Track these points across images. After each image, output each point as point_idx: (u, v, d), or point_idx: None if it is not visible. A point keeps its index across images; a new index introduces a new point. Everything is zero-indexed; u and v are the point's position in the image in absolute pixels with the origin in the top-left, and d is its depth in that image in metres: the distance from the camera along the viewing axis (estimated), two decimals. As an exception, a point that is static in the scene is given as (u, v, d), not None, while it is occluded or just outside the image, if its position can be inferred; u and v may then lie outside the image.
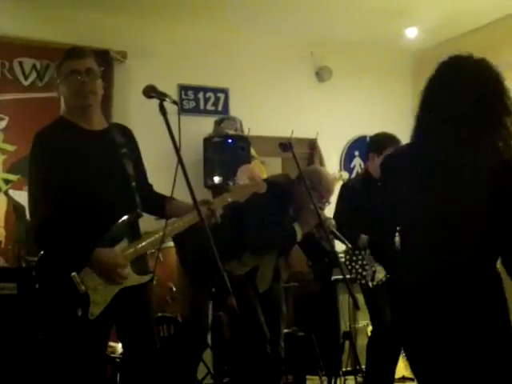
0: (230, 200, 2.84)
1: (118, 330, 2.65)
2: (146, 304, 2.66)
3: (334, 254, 3.16)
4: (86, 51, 2.69)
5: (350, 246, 3.55)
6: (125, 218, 2.55)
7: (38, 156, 2.54)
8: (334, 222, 3.49)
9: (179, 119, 2.36)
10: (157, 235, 2.58)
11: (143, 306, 2.64)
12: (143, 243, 2.56)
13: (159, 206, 2.71)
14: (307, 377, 4.63)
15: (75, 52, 2.66)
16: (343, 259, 3.95)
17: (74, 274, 2.41)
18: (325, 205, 3.55)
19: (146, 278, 2.59)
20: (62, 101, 2.66)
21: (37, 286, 2.57)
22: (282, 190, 3.52)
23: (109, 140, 2.63)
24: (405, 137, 4.10)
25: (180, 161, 2.35)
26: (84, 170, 2.52)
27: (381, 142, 3.93)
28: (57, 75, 2.64)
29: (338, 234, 3.50)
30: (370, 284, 3.78)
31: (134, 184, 2.63)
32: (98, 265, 2.43)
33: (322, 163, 5.77)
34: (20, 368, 3.25)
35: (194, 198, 2.31)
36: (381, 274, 3.79)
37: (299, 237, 3.41)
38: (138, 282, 2.55)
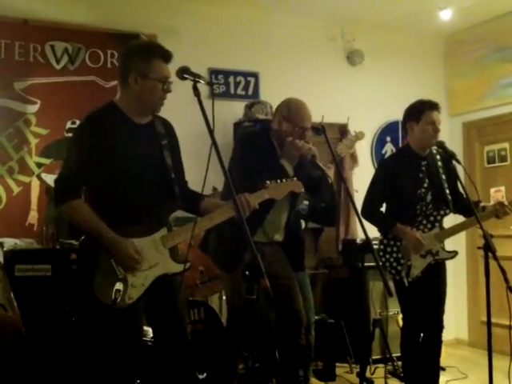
0: (267, 197, 2.86)
1: (147, 316, 2.69)
2: (176, 290, 2.68)
3: (367, 239, 3.05)
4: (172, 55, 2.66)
5: None
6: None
7: (83, 136, 2.56)
8: (314, 149, 3.36)
9: (213, 101, 2.33)
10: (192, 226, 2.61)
11: (173, 293, 2.67)
12: (181, 233, 2.60)
13: (193, 202, 2.70)
14: (337, 364, 4.62)
15: (169, 56, 2.63)
16: (377, 248, 3.80)
17: (113, 258, 2.47)
18: (305, 134, 3.37)
19: (185, 266, 2.61)
20: (128, 90, 2.61)
21: (77, 268, 2.65)
22: (254, 137, 3.46)
23: (151, 131, 2.67)
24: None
25: (214, 143, 2.32)
26: (123, 158, 2.54)
27: (416, 108, 3.67)
28: (142, 69, 2.57)
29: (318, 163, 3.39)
30: (406, 281, 3.58)
31: (172, 175, 2.66)
32: (115, 252, 2.47)
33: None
34: (53, 349, 3.28)
35: (233, 193, 2.27)
36: (417, 269, 3.59)
37: (290, 171, 3.28)
38: (178, 269, 2.58)
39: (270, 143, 3.41)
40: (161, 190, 2.62)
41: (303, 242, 3.90)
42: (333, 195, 3.60)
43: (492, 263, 3.17)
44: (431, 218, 3.65)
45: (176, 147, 2.79)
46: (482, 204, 3.69)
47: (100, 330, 2.54)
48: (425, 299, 3.67)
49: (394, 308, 4.98)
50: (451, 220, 3.89)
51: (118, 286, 2.45)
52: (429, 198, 3.64)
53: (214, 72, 5.26)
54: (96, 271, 2.48)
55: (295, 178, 3.05)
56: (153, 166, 2.61)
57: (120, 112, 2.61)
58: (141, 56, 2.59)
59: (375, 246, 3.82)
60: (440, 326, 3.75)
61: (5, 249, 4.07)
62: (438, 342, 3.76)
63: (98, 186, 2.55)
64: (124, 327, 2.51)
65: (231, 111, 5.10)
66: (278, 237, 3.46)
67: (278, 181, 2.91)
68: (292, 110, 3.38)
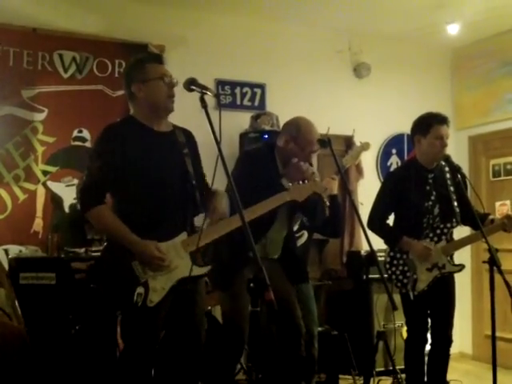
0: (288, 199, 2.88)
1: (164, 324, 2.69)
2: (197, 302, 2.74)
3: (372, 251, 3.05)
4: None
5: None
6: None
7: (103, 144, 2.63)
8: (317, 174, 3.24)
9: (220, 112, 2.33)
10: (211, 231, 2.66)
11: (194, 304, 2.72)
12: (202, 238, 2.62)
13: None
14: (340, 376, 4.60)
15: (160, 57, 2.78)
16: (383, 260, 3.77)
17: (135, 262, 2.51)
18: (311, 156, 3.31)
19: (205, 269, 2.66)
20: (138, 101, 2.70)
21: (100, 273, 2.73)
22: (256, 155, 3.38)
23: (173, 140, 2.73)
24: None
25: (220, 154, 2.33)
26: (146, 164, 2.60)
27: (425, 121, 3.63)
28: (140, 76, 2.67)
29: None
30: (411, 295, 3.57)
31: (194, 182, 2.70)
32: (138, 254, 2.52)
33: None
34: (57, 357, 3.28)
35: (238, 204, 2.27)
36: (423, 283, 3.56)
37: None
38: (199, 272, 2.62)
39: (273, 161, 3.36)
40: (182, 196, 2.67)
41: (303, 254, 3.89)
42: (338, 206, 3.57)
43: (497, 277, 3.16)
44: (438, 231, 3.62)
45: (196, 156, 2.84)
46: (490, 217, 3.67)
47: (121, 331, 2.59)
48: (432, 313, 3.65)
49: (398, 320, 4.96)
50: (459, 232, 3.87)
51: (140, 289, 2.49)
52: (436, 210, 3.60)
53: (220, 83, 5.28)
54: (118, 275, 2.53)
55: (317, 179, 3.04)
56: (174, 172, 2.67)
57: (138, 122, 2.70)
58: (135, 67, 2.71)
59: (380, 258, 3.81)
60: (448, 341, 3.70)
61: (9, 256, 4.09)
62: (445, 357, 3.72)
63: (120, 192, 2.62)
64: (142, 331, 2.55)
65: (237, 122, 5.12)
66: (277, 256, 3.45)
67: (301, 182, 2.93)
68: (301, 131, 3.28)
